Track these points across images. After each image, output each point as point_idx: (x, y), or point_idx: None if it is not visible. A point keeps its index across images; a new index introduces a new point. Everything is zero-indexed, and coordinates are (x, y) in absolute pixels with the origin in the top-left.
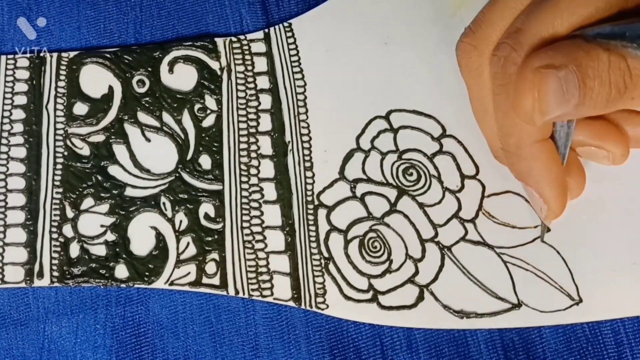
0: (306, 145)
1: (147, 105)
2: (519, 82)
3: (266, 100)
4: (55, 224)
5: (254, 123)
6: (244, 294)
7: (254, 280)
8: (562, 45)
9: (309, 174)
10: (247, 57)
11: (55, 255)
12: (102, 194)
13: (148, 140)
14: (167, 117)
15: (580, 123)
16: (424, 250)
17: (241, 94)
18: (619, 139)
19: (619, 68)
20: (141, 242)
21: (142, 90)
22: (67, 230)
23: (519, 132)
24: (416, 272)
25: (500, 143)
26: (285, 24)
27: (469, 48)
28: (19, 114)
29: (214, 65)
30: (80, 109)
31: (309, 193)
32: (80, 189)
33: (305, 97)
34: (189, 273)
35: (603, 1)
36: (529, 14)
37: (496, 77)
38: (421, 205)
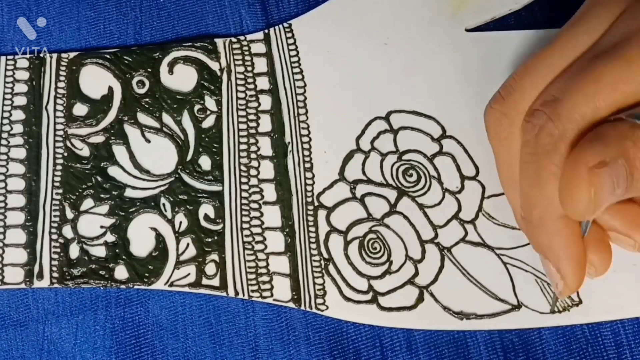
0: (306, 146)
1: (146, 106)
2: (572, 181)
3: (266, 101)
4: (55, 225)
5: (253, 124)
6: (243, 295)
7: (254, 282)
8: (608, 135)
9: (308, 175)
10: (247, 57)
11: (55, 256)
12: (102, 195)
13: (148, 141)
14: (167, 118)
15: (612, 209)
16: (423, 252)
17: (241, 95)
18: None
19: None
20: (141, 243)
21: (142, 91)
22: (67, 231)
23: (544, 205)
24: (416, 273)
25: (522, 212)
26: (285, 25)
27: (499, 115)
28: (19, 115)
29: (214, 66)
30: (80, 109)
31: (308, 194)
32: (80, 190)
33: (305, 98)
34: (188, 274)
35: None
36: (568, 84)
37: (527, 145)
38: (421, 206)
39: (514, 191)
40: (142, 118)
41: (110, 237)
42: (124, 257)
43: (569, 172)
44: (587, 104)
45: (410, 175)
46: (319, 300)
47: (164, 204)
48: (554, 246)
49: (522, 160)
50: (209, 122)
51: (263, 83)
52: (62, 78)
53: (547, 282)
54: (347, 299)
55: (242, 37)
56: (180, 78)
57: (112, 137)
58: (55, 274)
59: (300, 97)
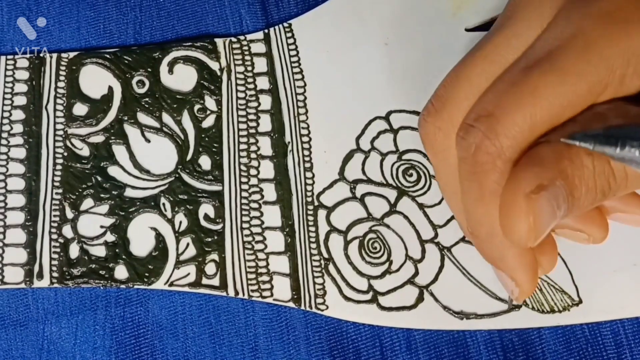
0: (306, 146)
1: (146, 105)
2: (509, 209)
3: (266, 101)
4: (55, 224)
5: (253, 124)
6: (243, 294)
7: (254, 281)
8: (544, 156)
9: (308, 174)
10: (247, 57)
11: (54, 256)
12: (102, 195)
13: (148, 140)
14: (166, 118)
15: None
16: (423, 251)
17: (241, 95)
18: (600, 223)
19: (604, 172)
20: (141, 242)
21: (142, 90)
22: (67, 231)
23: (491, 222)
24: (416, 273)
25: (469, 228)
26: (285, 25)
27: (434, 129)
28: (19, 115)
29: (214, 65)
30: (80, 109)
31: (308, 194)
32: (80, 190)
33: (305, 98)
34: (188, 274)
35: (578, 95)
36: (503, 97)
37: (465, 162)
38: (421, 206)
39: (457, 203)
40: (142, 118)
41: (110, 237)
42: (124, 256)
43: (506, 200)
44: (524, 120)
45: (410, 175)
46: (319, 300)
47: (164, 204)
48: (506, 259)
49: (461, 178)
50: (209, 122)
51: (263, 83)
52: (62, 78)
53: (547, 282)
54: (347, 299)
55: (242, 37)
56: (180, 78)
57: (112, 137)
58: (55, 274)
59: (300, 97)
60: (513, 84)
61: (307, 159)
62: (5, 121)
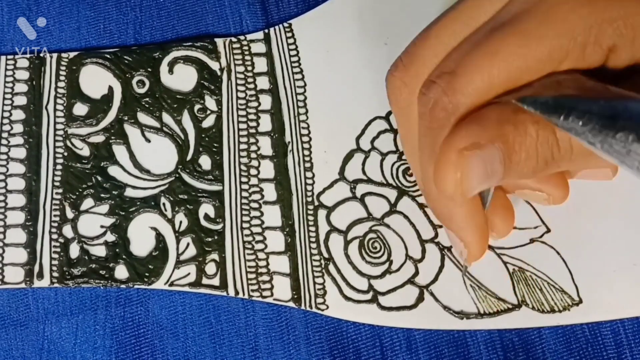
0: (306, 145)
1: (147, 105)
2: (441, 162)
3: (266, 101)
4: (55, 224)
5: (254, 123)
6: (243, 294)
7: (254, 281)
8: (488, 118)
9: (309, 174)
10: (247, 57)
11: (55, 255)
12: (102, 195)
13: (148, 140)
14: (167, 118)
15: None
16: (424, 251)
17: (241, 95)
18: (558, 182)
19: (547, 142)
20: (141, 242)
21: (142, 90)
22: (67, 230)
23: None
24: (416, 273)
25: (422, 184)
26: (285, 25)
27: (400, 84)
28: (19, 115)
29: (214, 65)
30: (80, 109)
31: (308, 194)
32: (80, 190)
33: (305, 98)
34: (188, 274)
35: (538, 59)
36: (465, 57)
37: (423, 117)
38: (421, 206)
39: (415, 160)
40: (142, 118)
41: (110, 237)
42: (124, 256)
43: (441, 152)
44: (482, 79)
45: (411, 175)
46: (319, 300)
47: (164, 204)
48: (455, 218)
49: (419, 134)
50: (209, 122)
51: (263, 83)
52: (62, 78)
53: (547, 282)
54: (347, 299)
55: (242, 37)
56: (180, 78)
57: (112, 137)
58: (55, 274)
59: (300, 97)
60: (477, 44)
61: (307, 158)
62: (6, 121)
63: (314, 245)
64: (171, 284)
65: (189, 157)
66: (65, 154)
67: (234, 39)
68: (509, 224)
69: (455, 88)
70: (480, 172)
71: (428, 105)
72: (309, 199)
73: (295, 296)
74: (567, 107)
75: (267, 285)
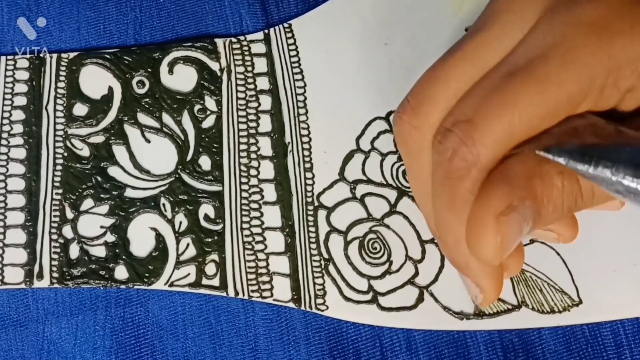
0: (306, 146)
1: (147, 106)
2: (479, 229)
3: (266, 101)
4: (55, 225)
5: (253, 124)
6: (243, 295)
7: (254, 282)
8: (515, 174)
9: (308, 175)
10: (247, 57)
11: (55, 256)
12: (102, 195)
13: (148, 141)
14: (167, 118)
15: None
16: (423, 252)
17: (241, 95)
18: (570, 223)
19: (572, 192)
20: (141, 243)
21: (142, 91)
22: (67, 231)
23: (460, 229)
24: (416, 274)
25: (438, 232)
26: (285, 25)
27: (409, 128)
28: (19, 115)
29: (214, 66)
30: (80, 109)
31: (308, 194)
32: (80, 190)
33: (305, 98)
34: (188, 274)
35: (557, 106)
36: (482, 104)
37: (440, 167)
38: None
39: (427, 205)
40: (142, 118)
41: (110, 237)
42: (124, 257)
43: (476, 218)
44: (503, 129)
45: None
46: (319, 300)
47: (164, 204)
48: (471, 265)
49: (434, 182)
50: (209, 122)
51: (263, 83)
52: (62, 78)
53: (547, 282)
54: (347, 299)
55: (242, 37)
56: (180, 78)
57: (112, 137)
58: (55, 274)
59: (300, 97)
60: (493, 90)
61: (307, 159)
62: (5, 121)
63: (314, 246)
64: (171, 285)
65: (188, 158)
66: (65, 154)
67: (234, 40)
68: (521, 262)
69: (474, 138)
70: (517, 232)
71: (445, 154)
72: (309, 200)
73: (295, 297)
74: (594, 156)
75: (267, 286)
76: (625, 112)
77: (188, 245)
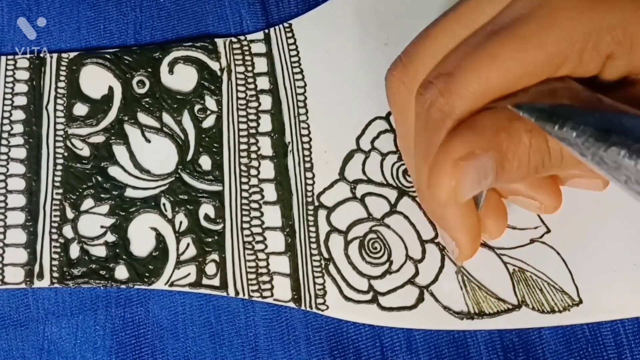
0: (306, 146)
1: (147, 106)
2: (435, 170)
3: (266, 101)
4: (55, 224)
5: (254, 124)
6: (244, 294)
7: (254, 281)
8: (483, 125)
9: (309, 174)
10: (247, 57)
11: (55, 256)
12: (102, 195)
13: (148, 141)
14: (167, 118)
15: None
16: (424, 251)
17: (241, 95)
18: (552, 191)
19: (539, 150)
20: (141, 243)
21: (142, 91)
22: (67, 231)
23: None
24: (416, 273)
25: (416, 183)
26: (285, 25)
27: (398, 84)
28: (19, 115)
29: (214, 65)
30: (80, 109)
31: (309, 194)
32: (80, 190)
33: (306, 98)
34: (189, 274)
35: (535, 65)
36: (463, 59)
37: (419, 117)
38: (421, 206)
39: (411, 160)
40: (143, 118)
41: (110, 237)
42: (124, 257)
43: (436, 159)
44: (479, 82)
45: (411, 175)
46: (319, 300)
47: (164, 204)
48: (447, 218)
49: (415, 134)
50: (209, 122)
51: (263, 83)
52: (62, 78)
53: (547, 282)
54: (348, 299)
55: (242, 37)
56: (181, 78)
57: (113, 137)
58: (55, 274)
59: (300, 97)
60: (475, 47)
61: (307, 159)
62: (6, 121)
63: (314, 246)
64: (171, 284)
65: (189, 158)
66: (66, 154)
67: (234, 39)
68: (502, 226)
69: (451, 90)
70: (473, 180)
71: (425, 105)
72: (309, 199)
73: (296, 296)
74: (562, 116)
75: (267, 286)
76: (608, 81)
77: (188, 245)
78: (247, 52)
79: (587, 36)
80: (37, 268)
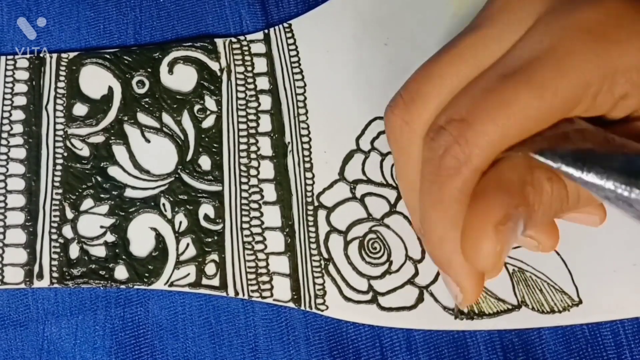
0: (306, 146)
1: (146, 106)
2: (478, 237)
3: (266, 101)
4: (55, 225)
5: (253, 124)
6: (243, 295)
7: (254, 282)
8: (512, 182)
9: (308, 175)
10: (247, 57)
11: (54, 256)
12: (102, 195)
13: (148, 141)
14: (166, 118)
15: None
16: (423, 252)
17: (241, 95)
18: (551, 230)
19: (560, 197)
20: (141, 243)
21: (142, 91)
22: (67, 231)
23: (445, 227)
24: (416, 273)
25: (422, 228)
26: (285, 25)
27: (401, 123)
28: (19, 115)
29: (214, 66)
30: (80, 109)
31: (308, 194)
32: (80, 190)
33: (305, 98)
34: (188, 274)
35: (551, 111)
36: (477, 105)
37: (430, 164)
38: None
39: (413, 200)
40: (142, 118)
41: (110, 237)
42: (124, 257)
43: (474, 226)
44: (496, 131)
45: None
46: (319, 300)
47: (164, 204)
48: (453, 264)
49: (423, 178)
50: (209, 122)
51: (263, 83)
52: (62, 78)
53: (547, 282)
54: (347, 299)
55: (242, 37)
56: (180, 78)
57: (112, 137)
58: (55, 274)
59: (300, 97)
60: (488, 91)
61: (307, 159)
62: (5, 121)
63: (313, 246)
64: (171, 285)
65: (188, 158)
66: (65, 154)
67: (233, 39)
68: (500, 267)
69: (467, 137)
70: (513, 239)
71: (437, 152)
72: (309, 200)
73: (295, 297)
74: (587, 162)
75: (267, 286)
76: (613, 119)
77: (188, 245)
78: (246, 52)
79: (602, 79)
80: (36, 268)
